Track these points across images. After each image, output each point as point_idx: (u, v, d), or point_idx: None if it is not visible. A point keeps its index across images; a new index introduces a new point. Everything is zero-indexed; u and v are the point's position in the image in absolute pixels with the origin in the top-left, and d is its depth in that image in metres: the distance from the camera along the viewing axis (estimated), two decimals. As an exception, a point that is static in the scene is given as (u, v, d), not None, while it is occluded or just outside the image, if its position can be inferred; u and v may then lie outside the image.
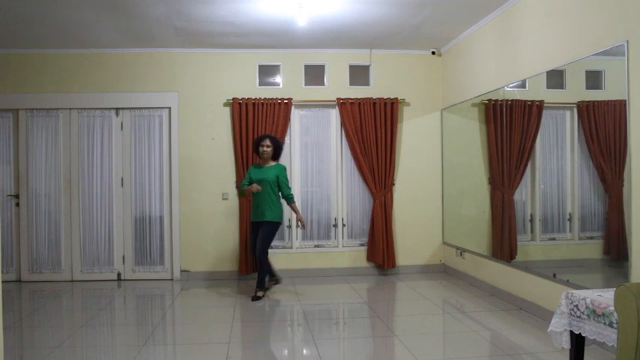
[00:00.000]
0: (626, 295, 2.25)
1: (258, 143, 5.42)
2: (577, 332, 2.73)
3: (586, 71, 4.01)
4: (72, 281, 6.29)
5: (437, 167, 6.67)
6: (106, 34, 5.73)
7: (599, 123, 3.88)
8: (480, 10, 5.11)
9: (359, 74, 6.61)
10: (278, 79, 6.55)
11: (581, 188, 4.15)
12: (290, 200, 5.37)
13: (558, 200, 4.46)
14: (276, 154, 5.45)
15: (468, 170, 5.93)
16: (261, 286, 5.36)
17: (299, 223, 5.46)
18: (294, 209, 5.43)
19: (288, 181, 5.43)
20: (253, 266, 6.26)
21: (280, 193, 5.38)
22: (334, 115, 6.56)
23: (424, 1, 4.87)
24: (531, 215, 4.81)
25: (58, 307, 5.40)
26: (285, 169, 5.45)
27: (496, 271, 5.26)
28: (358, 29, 5.68)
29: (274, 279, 5.54)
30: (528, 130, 4.74)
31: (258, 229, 5.33)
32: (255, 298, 5.28)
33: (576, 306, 2.73)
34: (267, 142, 5.37)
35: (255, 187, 5.22)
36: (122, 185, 6.38)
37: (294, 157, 6.52)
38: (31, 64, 6.26)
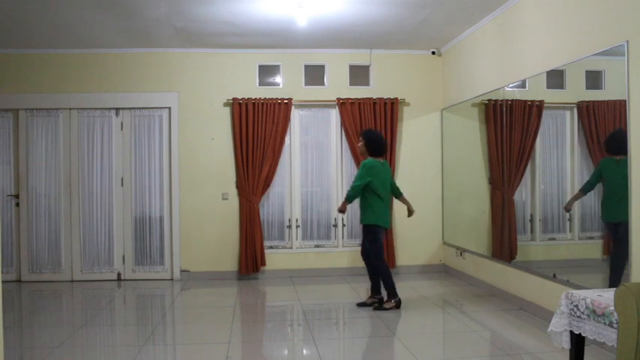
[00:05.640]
0: (626, 295, 2.25)
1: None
2: (577, 332, 2.73)
3: (586, 71, 4.01)
4: (72, 281, 6.29)
5: (437, 167, 6.66)
6: (106, 34, 5.73)
7: (599, 123, 3.88)
8: (480, 10, 5.11)
9: (359, 74, 6.60)
10: (278, 79, 6.54)
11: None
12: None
13: (558, 200, 4.46)
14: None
15: (468, 170, 5.92)
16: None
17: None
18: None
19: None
20: (253, 266, 6.26)
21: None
22: (334, 115, 6.56)
23: (424, 1, 4.86)
24: (531, 215, 4.82)
25: (58, 307, 5.41)
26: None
27: (496, 271, 5.26)
28: (358, 29, 5.67)
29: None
30: (528, 130, 4.74)
31: None
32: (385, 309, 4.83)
33: (576, 306, 2.73)
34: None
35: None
36: (122, 185, 6.38)
37: (294, 157, 6.51)
38: (30, 64, 6.25)
